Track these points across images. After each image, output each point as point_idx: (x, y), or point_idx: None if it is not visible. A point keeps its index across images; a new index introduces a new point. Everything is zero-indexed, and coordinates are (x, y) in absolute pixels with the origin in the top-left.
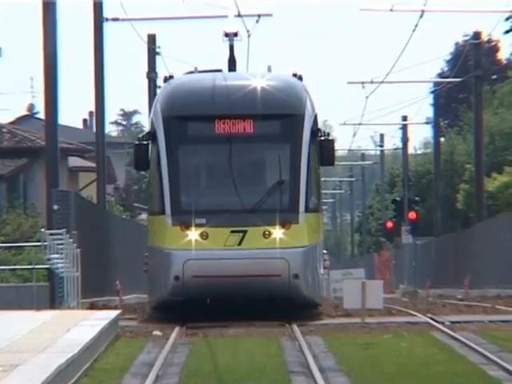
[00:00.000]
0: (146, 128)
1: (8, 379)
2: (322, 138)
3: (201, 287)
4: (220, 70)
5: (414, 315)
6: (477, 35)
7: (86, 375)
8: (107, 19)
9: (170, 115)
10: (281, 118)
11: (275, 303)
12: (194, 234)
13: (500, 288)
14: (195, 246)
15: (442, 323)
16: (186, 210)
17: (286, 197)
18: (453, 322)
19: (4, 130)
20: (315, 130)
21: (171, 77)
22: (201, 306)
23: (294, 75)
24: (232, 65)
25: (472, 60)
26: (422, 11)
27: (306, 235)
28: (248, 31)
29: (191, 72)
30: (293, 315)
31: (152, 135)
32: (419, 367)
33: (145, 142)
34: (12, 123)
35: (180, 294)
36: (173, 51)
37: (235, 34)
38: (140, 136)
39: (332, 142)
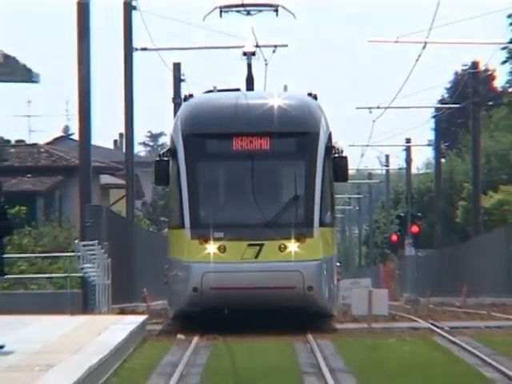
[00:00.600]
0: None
1: (44, 378)
2: (336, 155)
3: (218, 298)
4: (238, 89)
5: (416, 321)
6: (474, 65)
7: (115, 374)
8: (136, 49)
9: (189, 132)
10: (296, 135)
11: (290, 314)
12: (212, 247)
13: (495, 297)
14: (213, 259)
15: (442, 328)
16: (205, 223)
17: (302, 212)
18: (452, 328)
19: (41, 149)
20: (329, 148)
21: (191, 96)
22: (218, 316)
23: (309, 94)
24: (250, 83)
25: (470, 88)
26: (425, 43)
27: (321, 249)
28: (265, 60)
29: (210, 91)
30: (307, 325)
31: (172, 152)
32: (420, 369)
33: (165, 159)
34: (49, 143)
35: (198, 305)
36: (195, 74)
37: (253, 53)
38: (160, 153)
39: (346, 159)
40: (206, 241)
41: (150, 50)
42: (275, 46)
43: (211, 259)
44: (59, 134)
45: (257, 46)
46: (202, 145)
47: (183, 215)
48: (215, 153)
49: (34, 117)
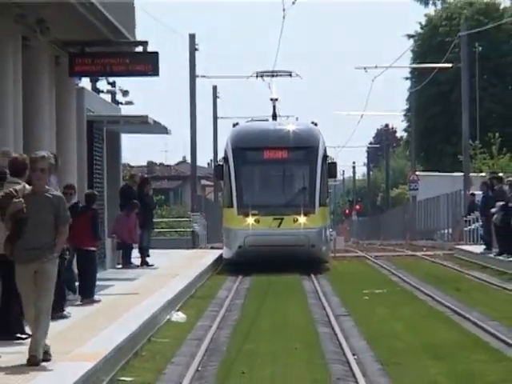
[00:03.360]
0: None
1: (175, 280)
2: (330, 161)
3: (255, 253)
4: (267, 119)
5: (357, 252)
6: (386, 125)
7: (209, 279)
8: (219, 117)
9: (236, 147)
10: (304, 149)
11: (300, 262)
12: (250, 220)
13: (396, 240)
14: (251, 227)
15: (371, 256)
16: (246, 205)
17: (307, 197)
18: (376, 256)
19: (172, 167)
20: (325, 156)
21: (237, 123)
22: (254, 264)
23: (312, 122)
24: (274, 116)
25: (384, 137)
26: (362, 115)
27: (320, 220)
28: (287, 117)
29: (250, 120)
30: (310, 268)
31: (225, 159)
32: (360, 274)
33: (221, 163)
34: (176, 165)
35: (241, 257)
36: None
37: (276, 99)
38: (218, 160)
39: (335, 163)
40: (247, 216)
41: (226, 118)
42: (287, 117)
43: (250, 227)
44: (180, 159)
45: (276, 99)
46: (244, 154)
47: (232, 199)
48: (253, 160)
49: (168, 151)
